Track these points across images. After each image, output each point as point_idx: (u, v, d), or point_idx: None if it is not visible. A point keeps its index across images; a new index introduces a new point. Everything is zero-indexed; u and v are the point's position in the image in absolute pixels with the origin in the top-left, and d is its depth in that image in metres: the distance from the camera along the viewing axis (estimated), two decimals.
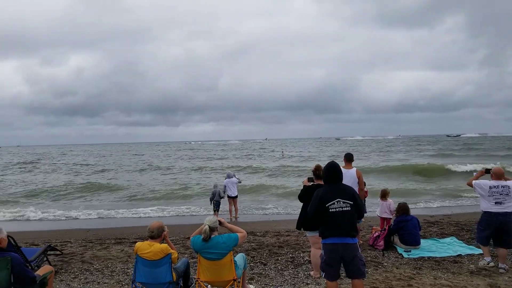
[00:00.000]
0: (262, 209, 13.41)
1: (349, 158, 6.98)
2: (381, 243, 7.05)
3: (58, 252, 7.11)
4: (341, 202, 4.22)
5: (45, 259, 6.23)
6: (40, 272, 4.30)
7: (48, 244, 6.84)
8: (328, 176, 4.41)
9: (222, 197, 11.52)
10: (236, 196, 11.78)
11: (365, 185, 7.10)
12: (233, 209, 11.80)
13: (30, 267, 4.97)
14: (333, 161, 4.58)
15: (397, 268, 5.92)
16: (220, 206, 11.55)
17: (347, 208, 4.22)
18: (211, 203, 11.57)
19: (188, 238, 7.94)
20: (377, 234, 7.32)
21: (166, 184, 22.12)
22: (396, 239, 7.12)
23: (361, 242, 7.41)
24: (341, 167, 4.53)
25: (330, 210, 4.22)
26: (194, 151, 67.87)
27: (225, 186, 11.63)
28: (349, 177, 6.56)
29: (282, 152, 51.93)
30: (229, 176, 11.91)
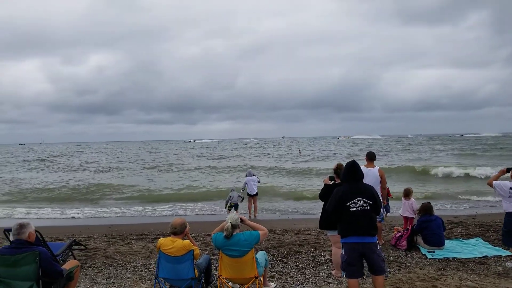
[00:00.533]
0: (278, 208, 13.37)
1: (371, 157, 6.89)
2: (404, 243, 6.92)
3: (82, 247, 7.27)
4: (361, 201, 4.24)
5: (70, 253, 6.38)
6: (67, 266, 4.39)
7: (73, 239, 6.99)
8: (348, 175, 4.41)
9: (242, 198, 11.36)
10: (256, 194, 11.79)
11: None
12: (252, 207, 11.81)
13: (56, 261, 5.09)
14: (353, 159, 4.60)
15: (420, 269, 5.81)
16: (239, 205, 11.43)
17: (367, 208, 4.24)
18: (226, 206, 11.18)
19: (208, 235, 8.01)
20: (399, 234, 7.20)
21: (181, 183, 22.17)
22: (419, 239, 6.98)
23: (383, 242, 7.30)
24: (362, 166, 4.51)
25: (351, 209, 4.23)
26: (209, 150, 68.25)
27: (245, 184, 11.63)
28: (371, 176, 6.50)
29: (299, 150, 51.71)
30: (250, 174, 11.90)
